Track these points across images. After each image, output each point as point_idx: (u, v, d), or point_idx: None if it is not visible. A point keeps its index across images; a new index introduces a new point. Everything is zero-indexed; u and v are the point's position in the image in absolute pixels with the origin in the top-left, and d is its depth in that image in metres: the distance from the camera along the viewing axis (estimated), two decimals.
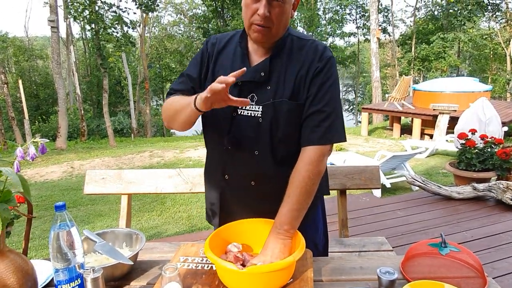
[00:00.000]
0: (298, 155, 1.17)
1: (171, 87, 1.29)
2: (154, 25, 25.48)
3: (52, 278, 1.09)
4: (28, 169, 7.34)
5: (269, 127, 1.18)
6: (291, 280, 1.05)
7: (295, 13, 1.29)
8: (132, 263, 1.10)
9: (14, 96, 18.12)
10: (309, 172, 1.14)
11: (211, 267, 1.13)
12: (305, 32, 23.50)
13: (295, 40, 1.22)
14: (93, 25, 12.88)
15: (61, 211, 0.95)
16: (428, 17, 21.64)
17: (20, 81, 12.04)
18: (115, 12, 13.20)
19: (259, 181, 1.23)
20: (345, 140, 1.19)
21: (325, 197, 1.40)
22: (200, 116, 1.17)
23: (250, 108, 1.19)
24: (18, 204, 1.51)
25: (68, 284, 0.95)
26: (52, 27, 11.13)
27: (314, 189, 1.17)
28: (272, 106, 1.17)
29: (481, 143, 4.31)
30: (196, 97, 1.08)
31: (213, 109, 1.17)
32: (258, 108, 1.18)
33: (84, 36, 22.35)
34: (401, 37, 22.91)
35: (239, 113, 1.20)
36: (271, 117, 1.18)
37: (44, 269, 1.16)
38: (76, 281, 0.97)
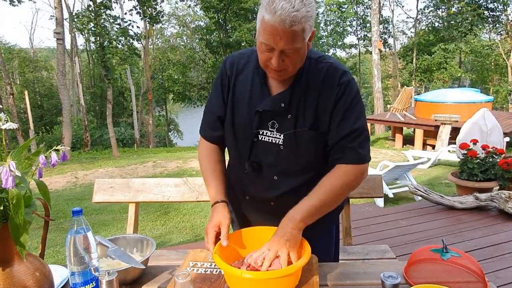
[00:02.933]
0: (318, 178, 1.15)
1: (204, 131, 1.32)
2: (158, 36, 25.81)
3: (64, 284, 1.13)
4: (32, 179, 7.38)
5: (289, 155, 1.19)
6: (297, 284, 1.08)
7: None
8: (144, 267, 1.14)
9: (19, 106, 18.29)
10: (343, 182, 1.13)
11: (220, 271, 1.17)
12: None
13: (312, 62, 1.17)
14: (98, 38, 13.06)
15: (78, 216, 1.00)
16: (429, 28, 21.82)
17: (26, 92, 12.19)
18: (119, 25, 13.40)
19: (279, 203, 1.23)
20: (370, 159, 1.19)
21: None
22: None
23: (271, 134, 1.19)
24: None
25: (84, 287, 0.99)
26: (57, 39, 11.32)
27: (341, 199, 1.17)
28: (294, 135, 1.16)
29: (482, 153, 4.34)
30: (215, 203, 1.21)
31: (234, 133, 1.23)
32: (280, 136, 1.18)
33: (88, 48, 22.63)
34: (402, 49, 23.07)
35: (260, 138, 1.20)
36: (293, 145, 1.17)
37: (56, 274, 1.19)
38: (91, 284, 1.00)
